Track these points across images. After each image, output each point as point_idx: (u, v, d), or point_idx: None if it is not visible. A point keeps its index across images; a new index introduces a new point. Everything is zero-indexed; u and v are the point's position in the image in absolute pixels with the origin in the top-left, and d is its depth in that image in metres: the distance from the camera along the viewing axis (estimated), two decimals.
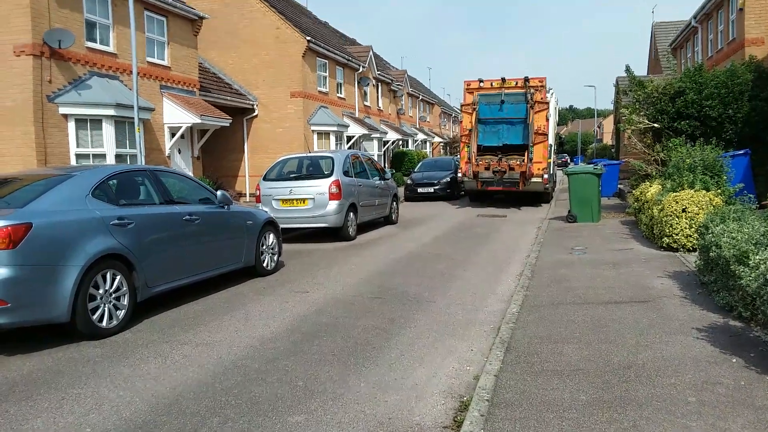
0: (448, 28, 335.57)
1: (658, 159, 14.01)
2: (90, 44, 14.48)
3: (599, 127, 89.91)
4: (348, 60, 28.24)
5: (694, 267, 7.61)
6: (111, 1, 15.01)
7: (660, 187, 10.86)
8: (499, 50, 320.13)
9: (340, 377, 4.73)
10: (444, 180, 22.16)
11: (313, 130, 24.39)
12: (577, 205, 13.77)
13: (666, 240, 9.29)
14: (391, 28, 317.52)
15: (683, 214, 9.06)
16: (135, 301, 6.37)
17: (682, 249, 9.12)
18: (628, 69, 15.79)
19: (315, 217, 12.25)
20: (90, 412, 4.18)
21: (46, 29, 13.07)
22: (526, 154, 17.82)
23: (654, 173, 13.68)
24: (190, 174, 17.59)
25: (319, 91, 25.47)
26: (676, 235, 9.12)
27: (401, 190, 21.21)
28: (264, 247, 8.97)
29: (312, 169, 13.16)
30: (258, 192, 12.90)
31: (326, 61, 26.17)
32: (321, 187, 12.28)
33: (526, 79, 18.41)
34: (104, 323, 5.91)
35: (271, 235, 9.22)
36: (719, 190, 9.77)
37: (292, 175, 13.13)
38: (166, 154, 17.07)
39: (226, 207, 8.18)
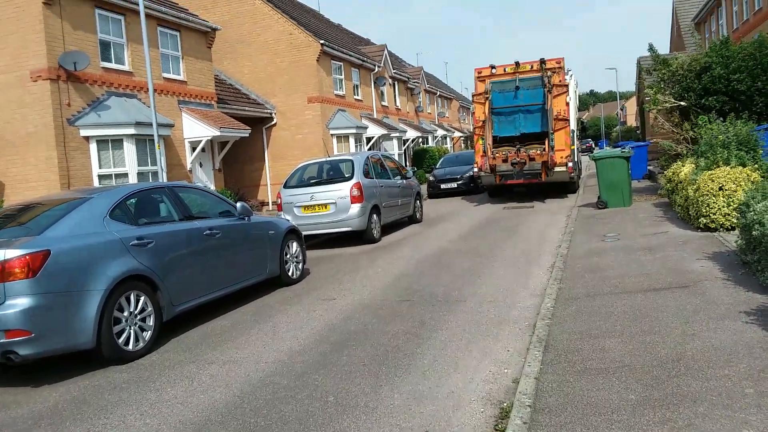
0: (462, 18, 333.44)
1: (687, 137, 13.57)
2: (105, 64, 14.56)
3: (622, 110, 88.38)
4: (363, 61, 28.07)
5: (735, 246, 7.27)
6: (124, 20, 15.07)
7: (693, 166, 10.49)
8: (517, 37, 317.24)
9: (372, 389, 4.54)
10: (467, 174, 21.76)
11: (332, 134, 24.29)
12: (607, 191, 13.41)
13: (703, 220, 8.95)
14: (405, 25, 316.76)
15: (720, 192, 8.72)
16: (161, 321, 6.28)
17: (720, 229, 8.78)
18: (651, 47, 15.24)
19: (338, 222, 12.08)
20: None
21: (61, 52, 13.15)
22: (546, 142, 16.44)
23: (685, 152, 13.27)
24: (211, 187, 17.64)
25: (336, 95, 25.35)
26: (714, 214, 8.78)
27: (424, 188, 20.94)
28: (288, 256, 8.84)
29: (332, 174, 13.01)
30: (279, 200, 12.79)
31: (341, 63, 26.05)
32: (342, 190, 12.10)
33: (542, 61, 16.75)
34: (130, 346, 5.82)
35: (294, 244, 9.08)
36: (756, 165, 9.39)
37: (312, 181, 12.97)
38: (188, 169, 17.09)
39: (246, 218, 8.07)
